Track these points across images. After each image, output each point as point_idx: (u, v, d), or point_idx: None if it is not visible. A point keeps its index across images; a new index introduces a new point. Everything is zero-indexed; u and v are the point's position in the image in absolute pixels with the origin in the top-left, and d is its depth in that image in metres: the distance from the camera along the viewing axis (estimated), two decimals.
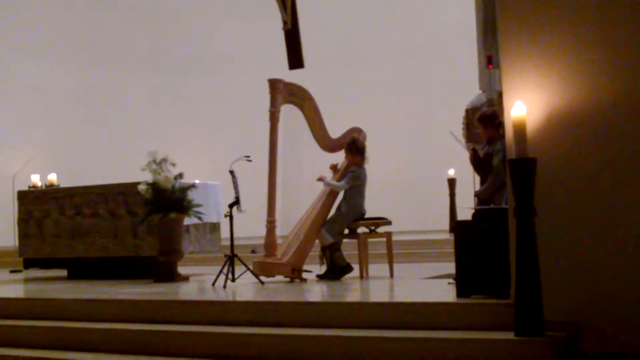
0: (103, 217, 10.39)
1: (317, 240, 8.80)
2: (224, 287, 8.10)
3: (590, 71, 5.39)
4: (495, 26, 6.25)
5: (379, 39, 18.22)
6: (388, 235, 8.92)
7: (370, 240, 8.89)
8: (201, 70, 19.06)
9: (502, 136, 7.08)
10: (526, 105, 5.27)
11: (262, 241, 8.84)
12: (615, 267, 5.28)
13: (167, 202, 9.28)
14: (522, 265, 5.13)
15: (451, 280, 7.02)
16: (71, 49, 18.25)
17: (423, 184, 17.01)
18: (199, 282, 9.31)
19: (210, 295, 7.69)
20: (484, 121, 7.76)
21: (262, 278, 8.44)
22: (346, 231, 8.88)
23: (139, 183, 9.45)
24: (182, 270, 9.78)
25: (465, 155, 8.22)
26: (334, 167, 9.23)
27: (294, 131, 9.01)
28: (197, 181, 10.06)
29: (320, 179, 8.90)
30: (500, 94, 7.00)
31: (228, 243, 8.59)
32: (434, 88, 17.44)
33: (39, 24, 17.78)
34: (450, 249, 6.94)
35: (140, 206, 9.70)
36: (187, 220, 9.70)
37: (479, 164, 7.80)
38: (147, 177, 9.42)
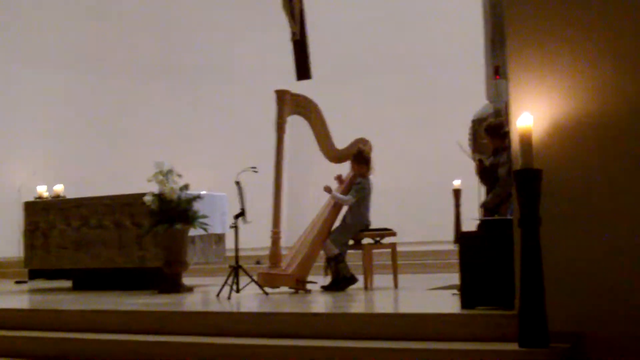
0: (109, 228, 10.39)
1: (321, 251, 8.79)
2: (229, 298, 8.09)
3: (596, 83, 5.39)
4: (503, 37, 6.25)
5: (386, 49, 18.20)
6: (393, 246, 8.91)
7: (375, 251, 8.89)
8: (208, 82, 19.07)
9: (509, 147, 7.05)
10: (533, 116, 5.26)
11: (267, 252, 8.85)
12: (619, 278, 5.26)
13: (172, 213, 9.29)
14: (527, 275, 5.10)
15: (456, 291, 7.00)
16: (79, 59, 18.27)
17: (428, 195, 16.94)
18: (204, 293, 9.30)
19: (215, 306, 7.68)
20: (490, 132, 7.75)
21: (267, 289, 8.42)
22: (351, 242, 8.87)
23: (145, 194, 9.45)
24: (187, 281, 9.78)
25: (471, 165, 8.21)
26: (339, 178, 9.22)
27: (300, 142, 9.03)
28: (202, 192, 10.05)
29: (327, 190, 8.88)
30: (507, 105, 6.99)
31: (233, 254, 8.58)
32: (440, 98, 17.40)
33: (46, 33, 17.82)
34: (455, 260, 6.90)
35: (145, 217, 9.69)
36: (193, 232, 9.69)
37: (485, 174, 7.78)
38: (154, 188, 9.43)
